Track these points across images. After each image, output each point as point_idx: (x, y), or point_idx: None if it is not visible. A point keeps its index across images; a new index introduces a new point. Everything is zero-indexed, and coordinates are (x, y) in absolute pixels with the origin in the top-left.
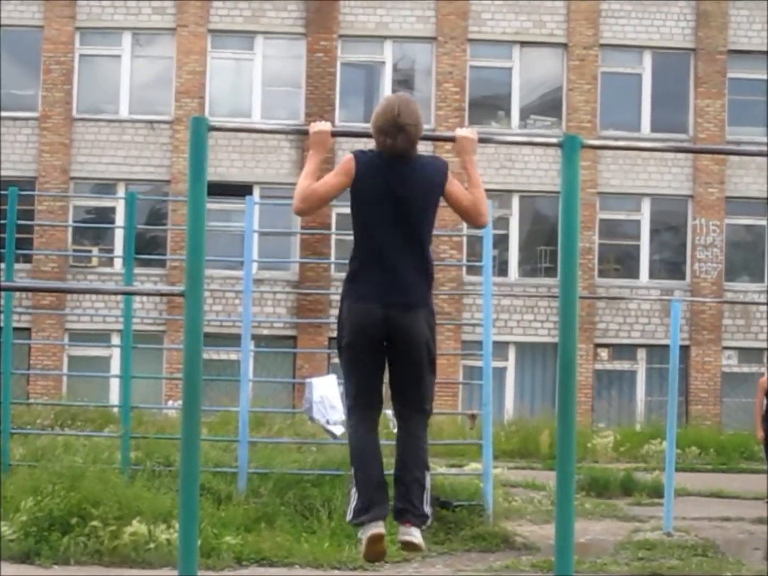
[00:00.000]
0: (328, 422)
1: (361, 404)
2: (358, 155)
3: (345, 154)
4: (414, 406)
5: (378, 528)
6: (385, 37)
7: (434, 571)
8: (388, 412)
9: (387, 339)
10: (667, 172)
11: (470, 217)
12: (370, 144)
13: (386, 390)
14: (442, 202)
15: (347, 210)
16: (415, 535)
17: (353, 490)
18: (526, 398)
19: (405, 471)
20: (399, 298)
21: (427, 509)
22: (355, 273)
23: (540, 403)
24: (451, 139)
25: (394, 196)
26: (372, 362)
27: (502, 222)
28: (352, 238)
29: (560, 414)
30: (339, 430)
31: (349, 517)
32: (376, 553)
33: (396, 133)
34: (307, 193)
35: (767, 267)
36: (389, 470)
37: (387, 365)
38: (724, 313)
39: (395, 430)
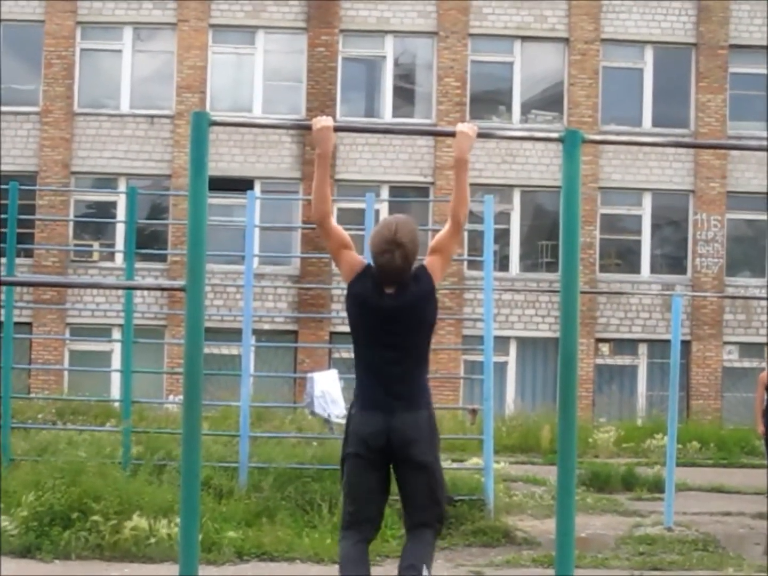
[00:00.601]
0: (329, 416)
1: (356, 524)
2: (365, 268)
3: (346, 149)
4: (423, 521)
5: None
6: (386, 32)
7: (435, 565)
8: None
9: (388, 446)
10: (668, 167)
11: (451, 221)
12: (371, 140)
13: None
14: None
15: (348, 205)
16: None
17: None
18: (527, 393)
19: (404, 562)
20: (397, 405)
21: None
22: (358, 381)
23: (541, 398)
24: (452, 134)
25: (384, 321)
26: (373, 482)
27: (503, 217)
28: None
29: (561, 409)
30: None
31: None
32: None
33: (393, 249)
34: (325, 223)
35: None
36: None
37: (394, 482)
38: (725, 308)
39: None
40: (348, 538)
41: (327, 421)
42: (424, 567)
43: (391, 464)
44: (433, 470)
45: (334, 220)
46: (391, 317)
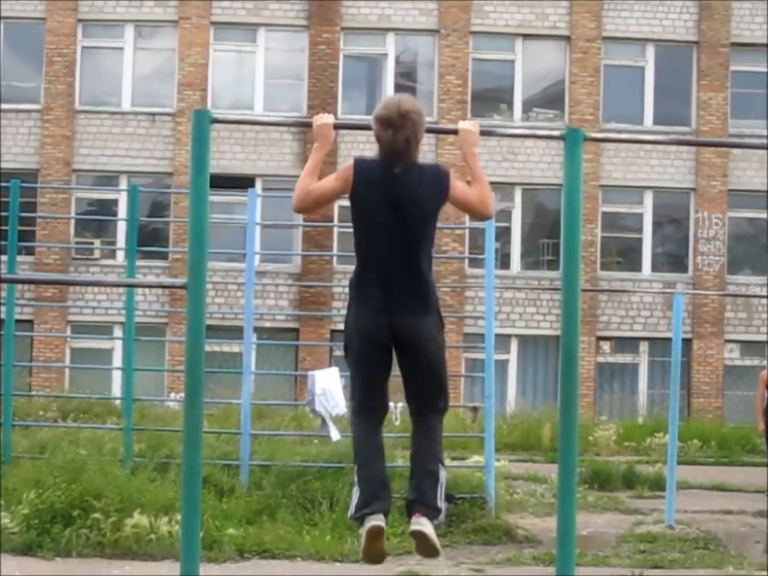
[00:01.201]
0: (330, 416)
1: (366, 407)
2: (358, 163)
3: (347, 147)
4: (428, 405)
5: (378, 521)
6: (388, 30)
7: (436, 563)
8: (390, 403)
9: (394, 344)
10: (669, 165)
11: (478, 212)
12: (372, 137)
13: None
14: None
15: (348, 203)
16: (425, 525)
17: (355, 488)
18: (528, 391)
19: (418, 463)
20: (403, 306)
21: (440, 504)
22: (358, 280)
23: (542, 396)
24: (454, 132)
25: (393, 204)
26: (378, 368)
27: (505, 215)
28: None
29: (562, 407)
30: (336, 435)
31: (350, 512)
32: (374, 552)
33: (397, 124)
34: (304, 194)
35: None
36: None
37: (397, 366)
38: (726, 306)
39: (397, 423)
40: (360, 424)
41: (324, 423)
42: (441, 467)
43: (396, 350)
44: (439, 352)
45: (315, 191)
46: (401, 196)
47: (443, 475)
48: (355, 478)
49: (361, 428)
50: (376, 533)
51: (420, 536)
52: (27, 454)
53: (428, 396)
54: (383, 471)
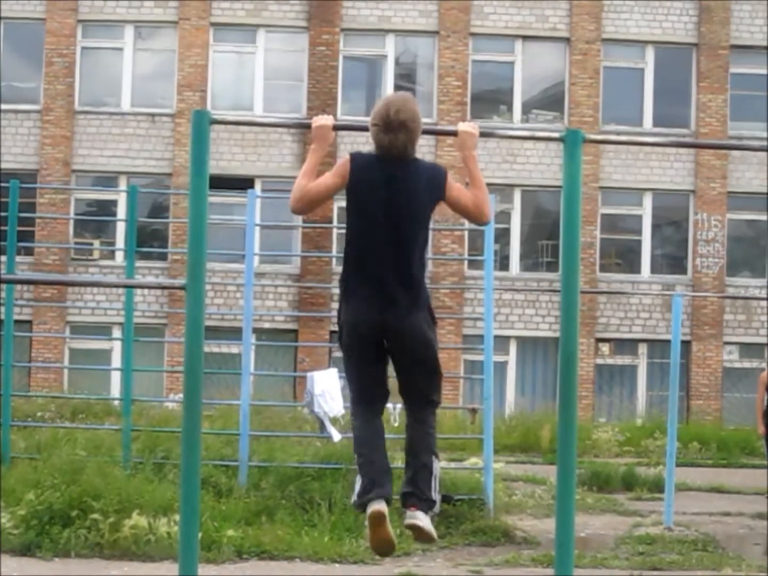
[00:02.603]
0: (328, 419)
1: (364, 399)
2: (355, 157)
3: (347, 148)
4: (421, 398)
5: (380, 505)
6: (388, 31)
7: (435, 564)
8: (389, 405)
9: (386, 340)
10: (669, 167)
11: (473, 217)
12: (371, 140)
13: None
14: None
15: (345, 197)
16: (420, 518)
17: (357, 477)
18: (527, 393)
19: (412, 456)
20: (392, 302)
21: (435, 495)
22: (349, 274)
23: (541, 398)
24: (453, 134)
25: (387, 202)
26: (372, 360)
27: (504, 216)
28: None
29: (561, 408)
30: (336, 436)
31: (353, 500)
32: (381, 540)
33: (394, 128)
34: (301, 194)
35: None
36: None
37: (390, 359)
38: (725, 309)
39: (395, 424)
40: (359, 414)
41: (321, 425)
42: (435, 459)
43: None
44: (430, 345)
45: (312, 190)
46: (395, 193)
47: (437, 466)
48: (358, 468)
49: (361, 421)
50: (378, 518)
51: (415, 528)
52: (26, 454)
53: (420, 389)
54: (384, 457)
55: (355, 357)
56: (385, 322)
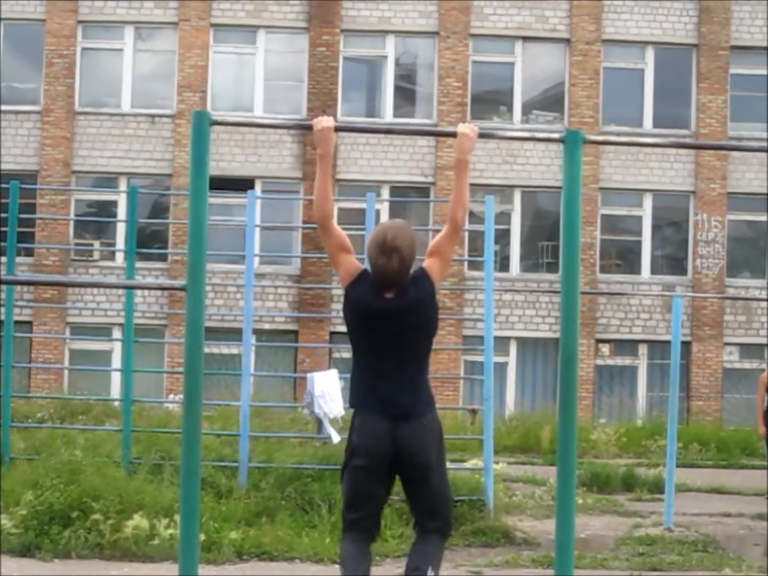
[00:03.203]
0: (328, 419)
1: (358, 528)
2: (364, 274)
3: (347, 148)
4: (427, 523)
5: None
6: (388, 32)
7: None
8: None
9: (394, 456)
10: (669, 168)
11: (449, 225)
12: (371, 140)
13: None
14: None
15: (348, 205)
16: None
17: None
18: (527, 393)
19: (410, 565)
20: (401, 415)
21: None
22: (357, 391)
23: (541, 399)
24: (453, 135)
25: (385, 325)
26: (378, 490)
27: (504, 217)
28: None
29: (561, 409)
30: (336, 437)
31: None
32: None
33: (389, 253)
34: (327, 224)
35: None
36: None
37: (400, 483)
38: (725, 309)
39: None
40: (349, 539)
41: (320, 425)
42: (430, 568)
43: (397, 471)
44: (441, 475)
45: (335, 222)
46: (392, 322)
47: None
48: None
49: (349, 544)
50: None
51: None
52: (26, 455)
53: (426, 514)
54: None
55: (361, 483)
56: (398, 438)
